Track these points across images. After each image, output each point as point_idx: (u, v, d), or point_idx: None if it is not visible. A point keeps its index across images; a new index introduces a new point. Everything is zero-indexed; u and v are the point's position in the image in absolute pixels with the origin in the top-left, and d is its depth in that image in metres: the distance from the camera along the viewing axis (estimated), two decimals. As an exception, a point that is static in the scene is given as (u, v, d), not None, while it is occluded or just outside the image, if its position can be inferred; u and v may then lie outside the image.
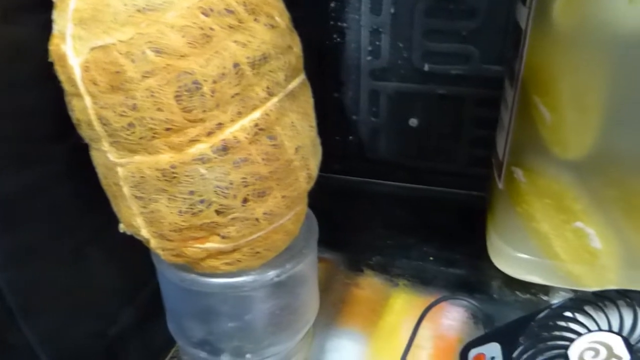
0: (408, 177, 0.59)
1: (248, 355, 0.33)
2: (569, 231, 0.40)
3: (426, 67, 0.54)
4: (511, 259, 0.44)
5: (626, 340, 0.28)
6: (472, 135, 0.55)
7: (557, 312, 0.32)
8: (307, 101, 0.28)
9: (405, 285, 0.45)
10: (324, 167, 0.62)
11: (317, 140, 0.30)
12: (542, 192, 0.39)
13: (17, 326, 0.28)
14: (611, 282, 0.41)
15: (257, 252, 0.28)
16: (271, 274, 0.30)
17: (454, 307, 0.43)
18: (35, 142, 0.28)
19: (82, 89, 0.23)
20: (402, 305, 0.44)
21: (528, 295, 0.43)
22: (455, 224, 0.52)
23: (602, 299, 0.31)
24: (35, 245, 0.29)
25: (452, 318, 0.42)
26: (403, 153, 0.59)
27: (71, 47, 0.23)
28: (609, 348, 0.28)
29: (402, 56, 0.54)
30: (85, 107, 0.24)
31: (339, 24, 0.54)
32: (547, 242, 0.41)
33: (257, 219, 0.26)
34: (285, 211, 0.28)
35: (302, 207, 0.30)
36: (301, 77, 0.28)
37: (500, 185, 0.43)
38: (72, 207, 0.31)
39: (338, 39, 0.55)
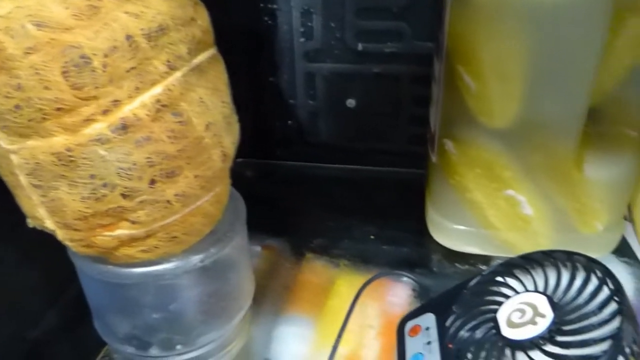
0: (349, 158, 0.59)
1: (179, 347, 0.32)
2: (501, 199, 0.40)
3: (360, 47, 0.53)
4: (449, 231, 0.44)
5: (550, 299, 0.28)
6: (409, 113, 0.55)
7: (488, 278, 0.32)
8: (218, 76, 0.27)
9: (347, 266, 0.45)
10: (266, 153, 0.62)
11: (233, 118, 0.28)
12: (472, 162, 0.40)
13: None
14: (544, 247, 0.42)
15: (175, 237, 0.27)
16: (194, 259, 0.29)
17: (398, 283, 0.43)
18: None
19: (-41, 69, 0.21)
20: (345, 286, 0.43)
21: (467, 267, 0.44)
22: (397, 202, 0.52)
23: (530, 262, 0.31)
24: None
25: (396, 295, 0.42)
26: (343, 135, 0.58)
27: (-59, 24, 0.21)
28: (534, 307, 0.28)
29: (335, 36, 0.53)
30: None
31: (269, 5, 0.53)
32: (481, 212, 0.42)
33: (168, 201, 0.25)
34: (201, 192, 0.27)
35: (222, 188, 0.29)
36: (210, 52, 0.27)
37: (434, 159, 0.43)
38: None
39: (269, 22, 0.54)
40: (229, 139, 0.27)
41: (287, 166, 0.60)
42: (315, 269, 0.45)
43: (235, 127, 0.29)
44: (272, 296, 0.43)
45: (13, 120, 0.22)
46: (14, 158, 0.24)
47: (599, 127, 0.38)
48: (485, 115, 0.37)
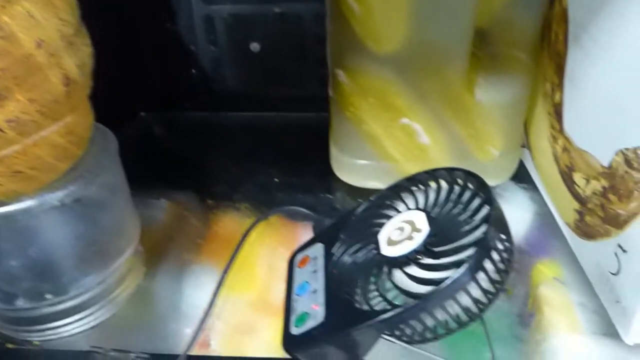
0: (257, 105, 0.57)
1: (49, 296, 0.29)
2: (397, 129, 0.40)
3: (259, -15, 0.51)
4: (351, 167, 0.43)
5: (428, 214, 0.28)
6: (316, 54, 0.54)
7: (374, 203, 0.32)
8: (56, -10, 0.24)
9: (249, 209, 0.43)
10: (171, 105, 0.59)
11: (78, 39, 0.26)
12: (365, 92, 0.39)
13: None
14: (444, 177, 0.42)
15: (19, 172, 0.25)
16: (51, 197, 0.27)
17: (302, 224, 0.42)
18: None
19: None
20: (252, 232, 0.42)
21: (370, 202, 0.43)
22: (304, 146, 0.51)
23: (413, 182, 0.31)
24: None
25: (302, 234, 0.41)
26: (249, 81, 0.56)
27: None
28: (412, 224, 0.28)
29: (231, -26, 0.50)
30: None
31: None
32: (379, 144, 0.41)
33: (0, 129, 0.23)
34: (41, 119, 0.24)
35: (76, 119, 0.27)
36: (40, -39, 0.24)
37: (331, 93, 0.42)
38: None
39: (160, -39, 0.50)
40: (72, 61, 0.25)
41: (194, 116, 0.57)
42: (220, 218, 0.44)
43: (85, 51, 0.26)
44: (177, 248, 0.41)
45: None
46: None
47: (489, 49, 0.38)
48: (372, 40, 0.36)
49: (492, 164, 0.42)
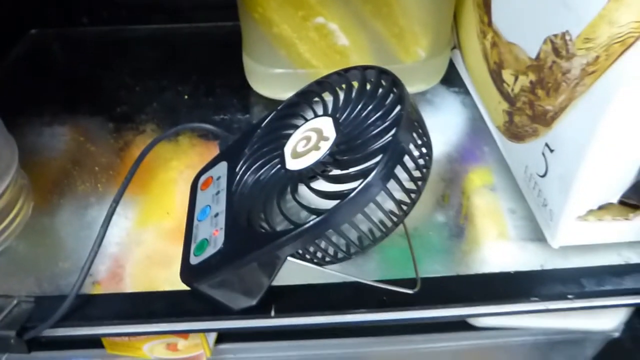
0: (165, 17, 0.50)
1: None
2: (311, 30, 0.35)
3: None
4: (266, 78, 0.39)
5: (336, 120, 0.24)
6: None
7: (282, 113, 0.28)
8: None
9: (154, 131, 0.39)
10: (66, 20, 0.51)
11: None
12: (271, -13, 0.33)
13: None
14: (369, 83, 0.39)
15: None
16: None
17: (213, 142, 0.37)
18: None
19: None
20: (160, 158, 0.38)
21: (290, 115, 0.39)
22: (216, 58, 0.46)
23: (323, 85, 0.27)
24: None
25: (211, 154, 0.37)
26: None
27: None
28: (319, 132, 0.24)
29: None
30: None
31: None
32: (294, 49, 0.36)
33: None
34: None
35: None
36: None
37: (236, -6, 0.37)
38: None
39: None
40: None
41: (93, 32, 0.50)
42: (121, 142, 0.39)
43: None
44: (72, 178, 0.36)
45: None
46: None
47: None
48: None
49: (419, 67, 0.39)
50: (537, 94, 0.28)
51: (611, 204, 0.28)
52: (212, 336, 0.40)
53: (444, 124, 0.40)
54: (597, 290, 0.27)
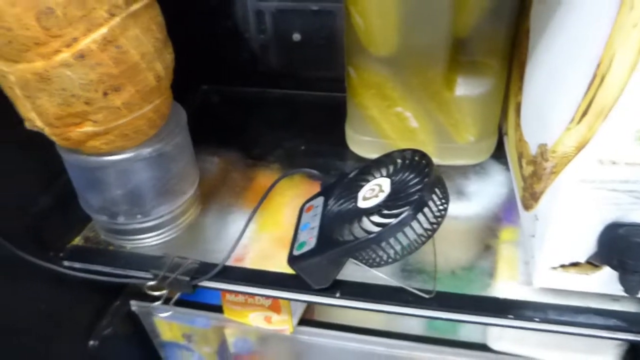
0: (294, 84, 0.69)
1: (139, 216, 0.44)
2: (392, 115, 0.52)
3: (300, -13, 0.62)
4: (359, 142, 0.56)
5: (392, 180, 0.40)
6: (344, 43, 0.65)
7: (361, 171, 0.44)
8: (152, 19, 0.38)
9: (279, 170, 0.57)
10: (225, 81, 0.72)
11: (165, 50, 0.39)
12: (367, 85, 0.50)
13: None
14: (430, 155, 0.54)
15: (126, 135, 0.39)
16: (144, 151, 0.41)
17: (316, 182, 0.54)
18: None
19: (-32, 16, 0.32)
20: (277, 186, 0.56)
21: (372, 169, 0.55)
22: (327, 121, 0.63)
23: (388, 157, 0.43)
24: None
25: (314, 189, 0.54)
26: (289, 64, 0.69)
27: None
28: (380, 186, 0.40)
29: (279, -22, 0.62)
30: (-26, 30, 0.33)
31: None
32: (379, 126, 0.53)
33: (118, 108, 0.37)
34: (142, 102, 0.38)
35: (162, 101, 0.40)
36: (144, 1, 0.37)
37: (345, 83, 0.54)
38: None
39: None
40: (161, 65, 0.38)
41: (243, 91, 0.71)
42: (256, 173, 0.57)
43: (168, 57, 0.40)
44: (223, 193, 0.55)
45: (7, 51, 0.33)
46: (10, 77, 0.35)
47: (466, 56, 0.48)
48: (371, 46, 0.48)
49: (470, 147, 0.53)
50: (533, 179, 0.42)
51: (579, 262, 0.40)
52: (296, 317, 0.56)
53: (491, 191, 0.54)
54: (554, 318, 0.39)
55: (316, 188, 0.53)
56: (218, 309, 0.59)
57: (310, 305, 0.61)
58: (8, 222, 0.43)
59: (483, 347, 0.56)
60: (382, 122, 0.52)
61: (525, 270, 0.45)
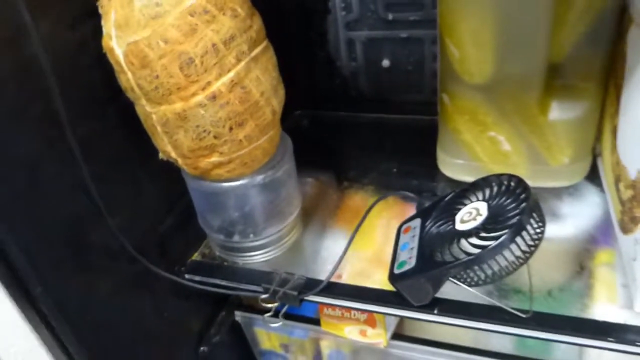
0: (384, 108, 0.73)
1: (251, 235, 0.49)
2: (485, 139, 0.54)
3: (390, 16, 0.66)
4: (450, 165, 0.58)
5: (489, 204, 0.42)
6: (433, 69, 0.68)
7: (458, 194, 0.47)
8: (269, 60, 0.43)
9: (373, 191, 0.60)
10: (317, 106, 0.77)
11: (279, 86, 0.44)
12: (461, 111, 0.53)
13: (104, 220, 0.45)
14: (523, 177, 0.55)
15: (245, 163, 0.44)
16: (258, 178, 0.46)
17: (410, 204, 0.57)
18: (98, 102, 0.44)
19: (125, 68, 0.39)
20: (373, 209, 0.59)
21: (463, 190, 0.57)
22: (417, 144, 0.66)
23: (485, 181, 0.45)
24: (103, 170, 0.45)
25: (409, 212, 0.57)
26: (379, 89, 0.72)
27: (116, 43, 0.38)
28: (477, 210, 0.42)
29: (369, 8, 0.66)
30: (128, 79, 0.40)
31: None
32: (471, 149, 0.55)
33: (240, 140, 0.42)
34: (260, 135, 0.43)
35: (275, 132, 0.45)
36: (262, 45, 0.42)
37: (438, 109, 0.57)
38: (126, 144, 0.47)
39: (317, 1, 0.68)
40: (276, 100, 0.43)
41: (335, 115, 0.75)
42: (351, 195, 0.61)
43: (281, 92, 0.45)
44: (321, 214, 0.59)
45: (153, 95, 0.39)
46: (153, 116, 0.41)
47: (561, 80, 0.49)
48: (466, 74, 0.50)
49: (563, 169, 0.54)
50: (633, 203, 0.42)
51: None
52: (390, 332, 0.59)
53: (585, 213, 0.54)
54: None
55: (409, 209, 0.56)
56: (315, 322, 0.63)
57: (401, 320, 0.63)
58: (142, 240, 0.50)
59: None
60: (475, 146, 0.54)
61: (625, 293, 0.45)
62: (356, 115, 0.75)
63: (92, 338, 0.46)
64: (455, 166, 0.58)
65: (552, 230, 0.52)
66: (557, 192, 0.56)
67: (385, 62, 0.70)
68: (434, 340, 0.61)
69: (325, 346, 0.66)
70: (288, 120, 0.76)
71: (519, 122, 0.51)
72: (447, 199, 0.47)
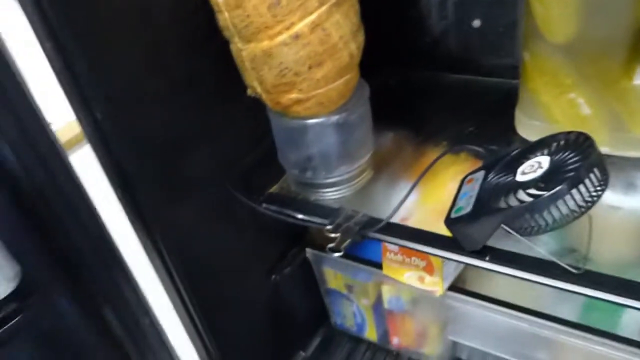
0: (472, 70, 0.73)
1: (323, 172, 0.54)
2: (564, 101, 0.53)
3: (484, -24, 0.66)
4: (528, 126, 0.58)
5: (551, 158, 0.43)
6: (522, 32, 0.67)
7: (526, 149, 0.47)
8: (351, 7, 0.46)
9: (445, 146, 0.62)
10: (405, 63, 0.79)
11: (359, 32, 0.47)
12: (542, 70, 0.53)
13: (197, 146, 0.51)
14: (603, 143, 0.54)
15: (322, 103, 0.48)
16: (333, 118, 0.50)
17: (480, 160, 0.58)
18: (201, 39, 0.50)
19: (222, 8, 0.44)
20: (443, 163, 0.61)
21: (538, 153, 0.57)
22: (500, 106, 0.66)
23: (551, 137, 0.46)
24: (201, 101, 0.51)
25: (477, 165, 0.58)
26: (468, 50, 0.72)
27: (216, -14, 0.44)
28: (539, 163, 0.43)
29: (464, -33, 0.67)
30: (225, 18, 0.45)
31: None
32: (550, 111, 0.55)
33: (318, 80, 0.46)
34: (336, 76, 0.47)
35: (352, 76, 0.49)
36: (346, -8, 0.45)
37: (520, 68, 0.57)
38: (222, 79, 0.53)
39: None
40: (354, 45, 0.47)
41: (422, 74, 0.77)
42: (426, 150, 0.63)
43: (360, 38, 0.48)
44: (392, 164, 0.62)
45: (245, 33, 0.45)
46: (244, 53, 0.46)
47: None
48: (549, 33, 0.50)
49: (646, 137, 0.52)
50: None
51: None
52: (447, 282, 0.61)
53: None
54: None
55: (478, 164, 0.57)
56: (378, 266, 0.67)
57: (462, 276, 0.66)
58: (228, 170, 0.56)
59: (641, 345, 0.55)
60: (553, 108, 0.54)
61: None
62: (443, 75, 0.75)
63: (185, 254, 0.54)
64: (532, 127, 0.57)
65: (626, 200, 0.51)
66: (637, 163, 0.54)
67: (476, 22, 0.70)
68: (494, 297, 0.63)
69: (386, 291, 0.70)
70: (375, 75, 0.79)
71: (600, 85, 0.50)
72: (512, 154, 0.48)
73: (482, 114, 0.65)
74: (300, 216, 0.56)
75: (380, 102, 0.71)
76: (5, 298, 0.43)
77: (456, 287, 0.64)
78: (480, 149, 0.56)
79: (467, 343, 0.69)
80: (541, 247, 0.46)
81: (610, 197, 0.50)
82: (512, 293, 0.64)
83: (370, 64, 0.65)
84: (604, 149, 0.53)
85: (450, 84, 0.74)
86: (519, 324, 0.61)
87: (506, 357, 0.66)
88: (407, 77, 0.78)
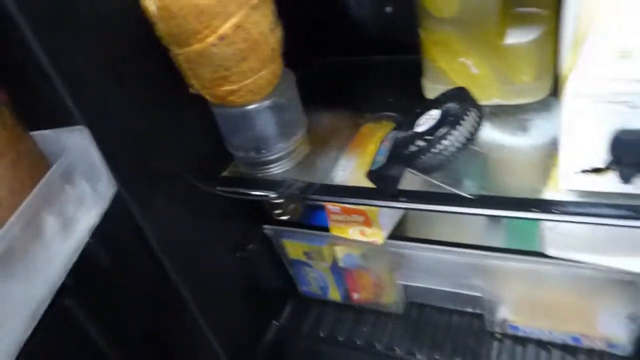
0: (390, 50, 0.83)
1: (263, 151, 0.63)
2: (457, 65, 0.64)
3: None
4: (433, 90, 0.68)
5: (442, 109, 0.53)
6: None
7: (423, 107, 0.58)
8: (266, 7, 0.55)
9: (370, 119, 0.72)
10: (329, 52, 0.88)
11: (277, 28, 0.56)
12: (435, 42, 0.63)
13: (160, 141, 0.60)
14: (493, 95, 0.65)
15: (252, 90, 0.57)
16: (265, 103, 0.59)
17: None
18: (147, 47, 0.59)
19: (157, 20, 0.53)
20: (368, 133, 0.70)
21: (444, 112, 0.68)
22: (417, 78, 0.76)
23: (444, 95, 0.56)
24: (155, 97, 0.60)
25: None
26: (385, 32, 0.83)
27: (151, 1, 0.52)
28: (431, 115, 0.54)
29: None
30: (161, 28, 0.54)
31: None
32: (447, 75, 0.65)
33: (245, 72, 0.55)
34: (261, 67, 0.56)
35: (276, 66, 0.58)
36: (260, -3, 0.55)
37: (419, 42, 0.67)
38: (174, 80, 0.62)
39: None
40: (274, 39, 0.56)
41: (348, 59, 0.87)
42: (354, 123, 0.73)
43: (278, 33, 0.57)
44: (325, 138, 0.71)
45: (179, 39, 0.53)
46: (181, 57, 0.55)
47: (516, 9, 0.58)
48: (436, 10, 0.60)
49: (526, 87, 0.63)
50: (561, 104, 0.52)
51: (601, 168, 0.49)
52: (386, 231, 0.71)
53: (549, 125, 0.63)
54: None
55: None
56: (328, 229, 0.77)
57: (404, 227, 0.76)
58: (186, 161, 0.65)
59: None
60: (449, 72, 0.65)
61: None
62: (366, 58, 0.86)
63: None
64: (436, 91, 0.67)
65: (512, 139, 0.62)
66: (526, 108, 0.65)
67: (389, 9, 0.80)
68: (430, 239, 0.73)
69: (339, 250, 0.79)
70: (306, 64, 0.89)
71: (482, 48, 0.61)
72: (416, 111, 0.59)
73: (399, 86, 0.76)
74: (250, 192, 0.65)
75: (312, 87, 0.82)
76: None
77: (399, 236, 0.74)
78: (395, 114, 0.67)
79: (415, 284, 0.79)
80: (445, 182, 0.56)
81: (501, 137, 0.62)
82: (448, 234, 0.74)
83: (301, 55, 0.75)
84: (496, 100, 0.65)
85: (373, 64, 0.85)
86: (456, 258, 0.71)
87: (449, 289, 0.77)
88: (334, 63, 0.88)
